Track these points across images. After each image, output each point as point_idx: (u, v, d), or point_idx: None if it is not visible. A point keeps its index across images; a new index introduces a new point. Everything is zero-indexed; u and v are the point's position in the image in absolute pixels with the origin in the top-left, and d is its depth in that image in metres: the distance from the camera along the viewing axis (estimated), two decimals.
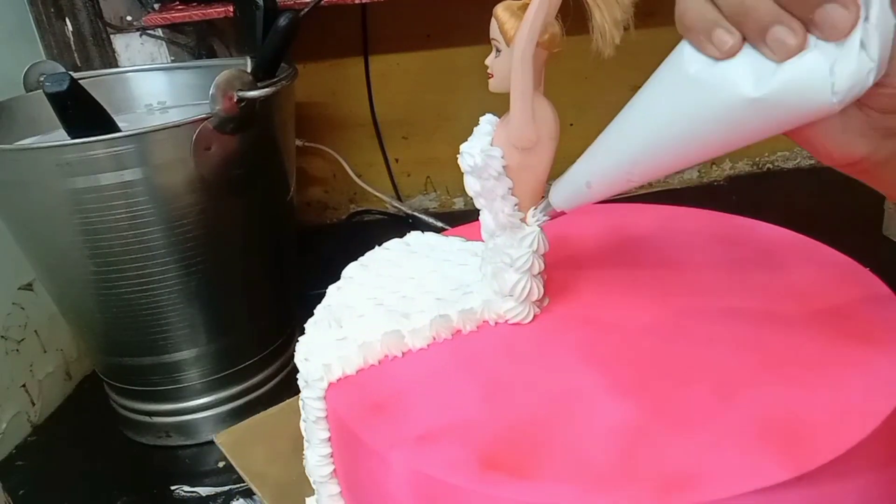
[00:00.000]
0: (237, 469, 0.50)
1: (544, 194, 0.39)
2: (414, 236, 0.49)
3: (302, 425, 0.41)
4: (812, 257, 0.43)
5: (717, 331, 0.37)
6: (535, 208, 0.38)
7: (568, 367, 0.36)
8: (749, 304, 0.39)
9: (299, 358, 0.39)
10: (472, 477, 0.30)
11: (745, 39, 0.26)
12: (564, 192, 0.37)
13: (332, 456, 0.39)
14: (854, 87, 0.25)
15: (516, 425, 0.32)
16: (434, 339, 0.39)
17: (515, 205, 0.38)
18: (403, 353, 0.38)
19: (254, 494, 0.61)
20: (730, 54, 0.27)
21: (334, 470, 0.39)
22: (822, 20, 0.25)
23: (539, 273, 0.39)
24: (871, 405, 0.30)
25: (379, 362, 0.38)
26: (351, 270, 0.46)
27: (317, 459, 0.40)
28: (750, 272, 0.42)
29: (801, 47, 0.26)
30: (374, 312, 0.40)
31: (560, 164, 0.37)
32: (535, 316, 0.40)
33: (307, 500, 0.45)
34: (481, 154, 0.37)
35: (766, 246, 0.45)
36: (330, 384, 0.37)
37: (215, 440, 0.53)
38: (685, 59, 0.28)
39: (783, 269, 0.42)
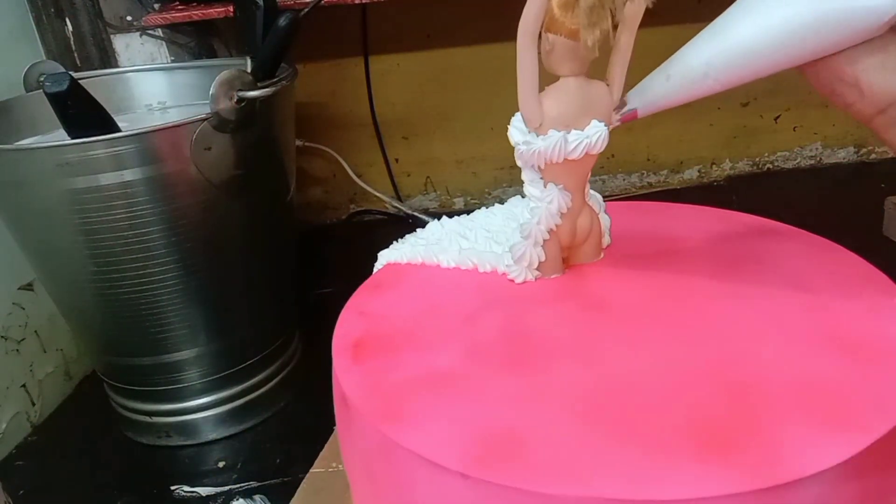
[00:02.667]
0: None
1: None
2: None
3: None
4: (817, 254, 0.43)
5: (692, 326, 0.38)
6: (614, 111, 0.40)
7: (505, 331, 0.39)
8: (748, 301, 0.39)
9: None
10: (344, 353, 0.37)
11: None
12: (642, 89, 0.38)
13: None
14: None
15: (409, 338, 0.38)
16: (458, 265, 0.45)
17: (540, 178, 0.40)
18: (438, 265, 0.46)
19: (254, 494, 0.61)
20: None
21: None
22: None
23: (541, 244, 0.42)
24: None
25: (421, 263, 0.47)
26: (511, 201, 0.51)
27: None
28: (751, 269, 0.42)
29: None
30: (451, 231, 0.47)
31: None
32: (527, 280, 0.43)
33: None
34: (511, 123, 0.40)
35: (770, 243, 0.45)
36: (388, 263, 0.48)
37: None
38: None
39: (786, 267, 0.42)
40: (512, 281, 0.43)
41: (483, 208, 0.50)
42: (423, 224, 0.51)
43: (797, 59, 0.33)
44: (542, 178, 0.41)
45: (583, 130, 0.39)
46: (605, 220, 0.44)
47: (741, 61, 0.34)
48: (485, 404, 0.33)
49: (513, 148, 0.40)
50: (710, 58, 0.35)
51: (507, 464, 0.29)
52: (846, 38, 0.32)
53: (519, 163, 0.41)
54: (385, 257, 0.48)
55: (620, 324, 0.38)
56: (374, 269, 0.48)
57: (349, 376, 0.36)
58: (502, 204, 0.49)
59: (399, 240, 0.49)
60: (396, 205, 1.11)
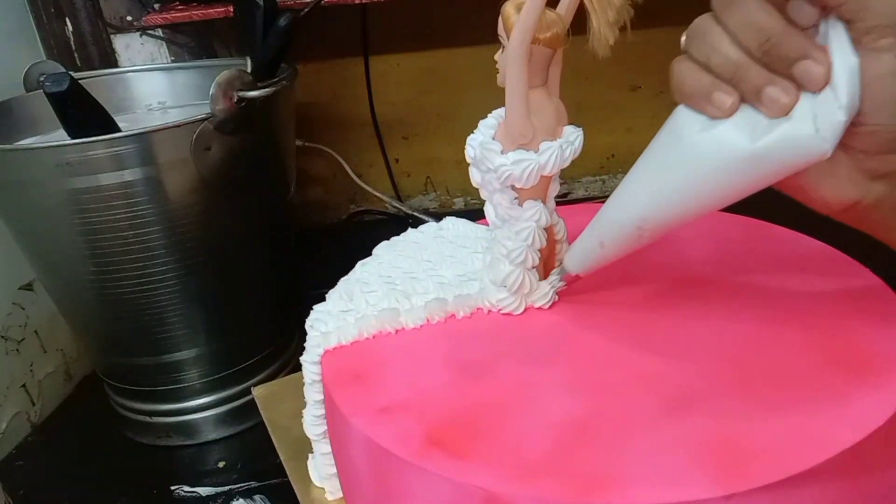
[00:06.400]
0: (265, 420, 0.51)
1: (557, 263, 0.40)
2: (448, 222, 0.50)
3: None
4: (817, 257, 0.43)
5: (707, 335, 0.37)
6: (552, 273, 0.40)
7: (538, 361, 0.37)
8: (750, 296, 0.39)
9: (308, 324, 0.41)
10: (414, 452, 0.32)
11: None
12: (577, 254, 0.38)
13: (324, 417, 0.40)
14: (836, 127, 0.27)
15: (471, 408, 0.34)
16: (428, 320, 0.40)
17: (515, 198, 0.39)
18: (397, 331, 0.40)
19: (254, 494, 0.61)
20: (730, 112, 0.29)
21: (326, 430, 0.41)
22: (800, 75, 0.27)
23: (534, 267, 0.40)
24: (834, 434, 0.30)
25: (373, 336, 0.40)
26: (380, 249, 0.47)
27: (311, 419, 0.42)
28: (750, 269, 0.42)
29: (794, 103, 0.28)
30: (381, 289, 0.42)
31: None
32: (526, 308, 0.41)
33: (308, 458, 0.45)
34: (479, 147, 0.38)
35: (769, 245, 0.45)
36: (326, 351, 0.39)
37: (252, 392, 0.55)
38: (683, 124, 0.30)
39: (785, 267, 0.42)
40: (489, 314, 0.41)
41: (364, 260, 0.47)
42: (423, 224, 0.50)
43: (738, 195, 0.31)
44: (516, 198, 0.39)
45: (563, 138, 0.38)
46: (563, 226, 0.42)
47: (677, 211, 0.32)
48: (552, 433, 0.32)
49: None
50: (643, 214, 0.33)
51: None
52: (790, 169, 0.29)
53: (494, 186, 0.38)
54: (319, 344, 0.40)
55: (632, 329, 0.38)
56: (309, 359, 0.40)
57: (376, 430, 0.33)
58: None
59: (312, 327, 0.41)
60: (396, 205, 1.11)
